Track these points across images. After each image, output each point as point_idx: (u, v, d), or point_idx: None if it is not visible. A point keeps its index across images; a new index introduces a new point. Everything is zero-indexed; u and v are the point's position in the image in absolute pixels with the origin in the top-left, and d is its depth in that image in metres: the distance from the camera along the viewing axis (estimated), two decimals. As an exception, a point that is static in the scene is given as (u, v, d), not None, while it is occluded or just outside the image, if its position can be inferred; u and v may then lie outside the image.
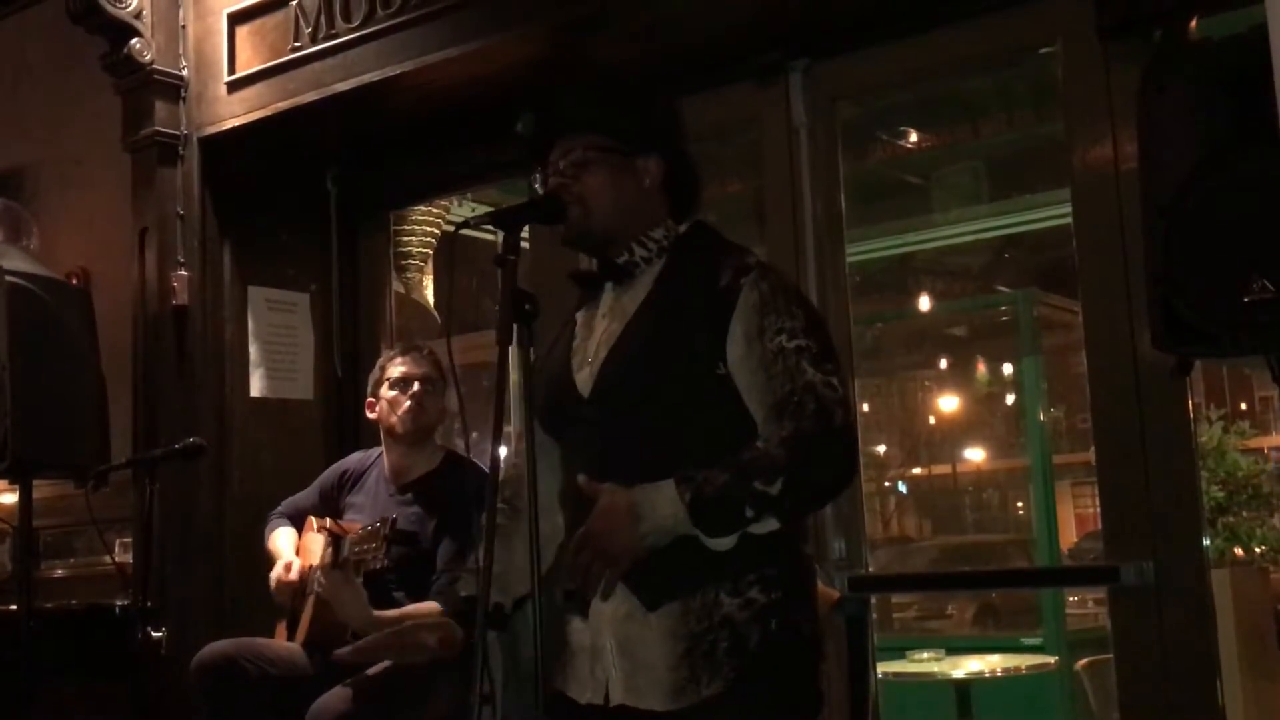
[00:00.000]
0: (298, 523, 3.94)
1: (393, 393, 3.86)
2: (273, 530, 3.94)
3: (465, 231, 2.32)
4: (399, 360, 3.91)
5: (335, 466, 4.08)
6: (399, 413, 3.83)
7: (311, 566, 3.73)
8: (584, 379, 2.28)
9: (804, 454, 2.09)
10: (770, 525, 2.10)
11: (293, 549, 3.83)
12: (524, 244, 2.31)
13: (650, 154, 2.34)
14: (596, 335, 2.32)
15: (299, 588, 3.76)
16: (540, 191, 2.38)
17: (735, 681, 2.09)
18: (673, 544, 2.11)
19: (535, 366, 2.23)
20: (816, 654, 2.23)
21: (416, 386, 3.85)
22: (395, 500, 3.78)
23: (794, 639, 2.17)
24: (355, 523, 3.68)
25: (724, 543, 2.09)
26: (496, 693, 2.04)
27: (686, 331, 2.20)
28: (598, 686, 2.21)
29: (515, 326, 2.10)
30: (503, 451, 2.48)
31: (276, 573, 3.76)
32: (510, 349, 2.11)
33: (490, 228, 2.33)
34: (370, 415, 3.94)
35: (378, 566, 3.41)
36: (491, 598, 2.27)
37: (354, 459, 4.05)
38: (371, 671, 3.44)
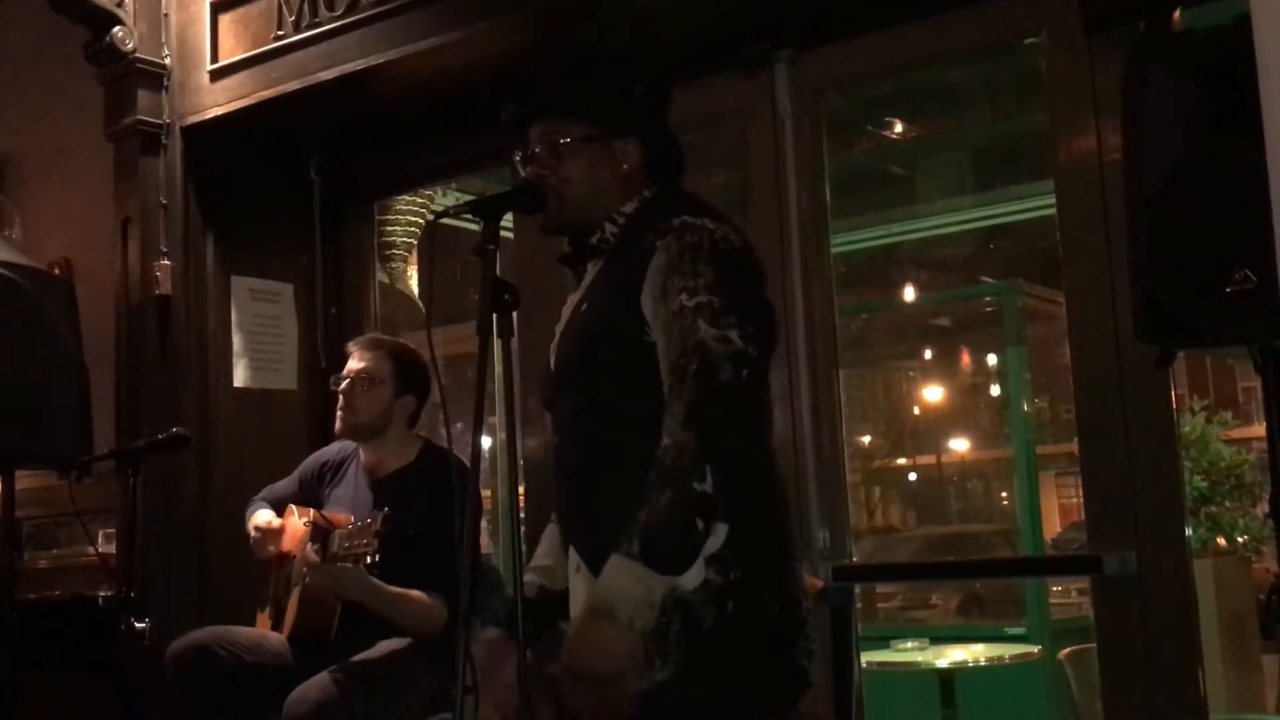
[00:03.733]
0: (278, 509, 3.91)
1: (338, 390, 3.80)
2: (253, 512, 3.91)
3: (446, 221, 2.30)
4: (349, 355, 3.84)
5: (315, 457, 4.05)
6: (337, 412, 3.79)
7: (293, 556, 3.72)
8: (554, 360, 2.32)
9: (702, 426, 1.99)
10: (720, 536, 2.03)
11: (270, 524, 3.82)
12: (506, 234, 2.31)
13: (629, 136, 2.32)
14: (566, 316, 2.35)
15: (284, 574, 3.74)
16: (521, 174, 2.37)
17: (686, 664, 2.04)
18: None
19: (507, 353, 2.22)
20: (792, 632, 2.15)
21: (347, 384, 3.76)
22: (374, 495, 3.72)
23: (757, 619, 2.09)
24: (338, 513, 3.67)
25: (692, 576, 2.01)
26: (479, 683, 2.04)
27: (614, 304, 2.19)
28: None
29: (495, 317, 2.09)
30: (485, 442, 2.48)
31: (259, 523, 3.74)
32: (491, 340, 2.10)
33: (473, 217, 2.31)
34: None
35: (369, 562, 3.39)
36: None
37: (333, 449, 4.01)
38: (354, 661, 3.44)
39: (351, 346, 3.89)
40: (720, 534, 2.03)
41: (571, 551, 2.25)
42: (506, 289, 2.11)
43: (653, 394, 2.11)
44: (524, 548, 2.24)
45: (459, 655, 1.98)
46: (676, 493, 1.97)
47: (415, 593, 3.50)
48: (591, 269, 2.34)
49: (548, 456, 2.31)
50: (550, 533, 2.43)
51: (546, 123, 2.31)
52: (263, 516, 3.83)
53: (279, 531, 3.75)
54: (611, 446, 2.18)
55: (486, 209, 2.21)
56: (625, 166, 2.32)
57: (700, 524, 1.98)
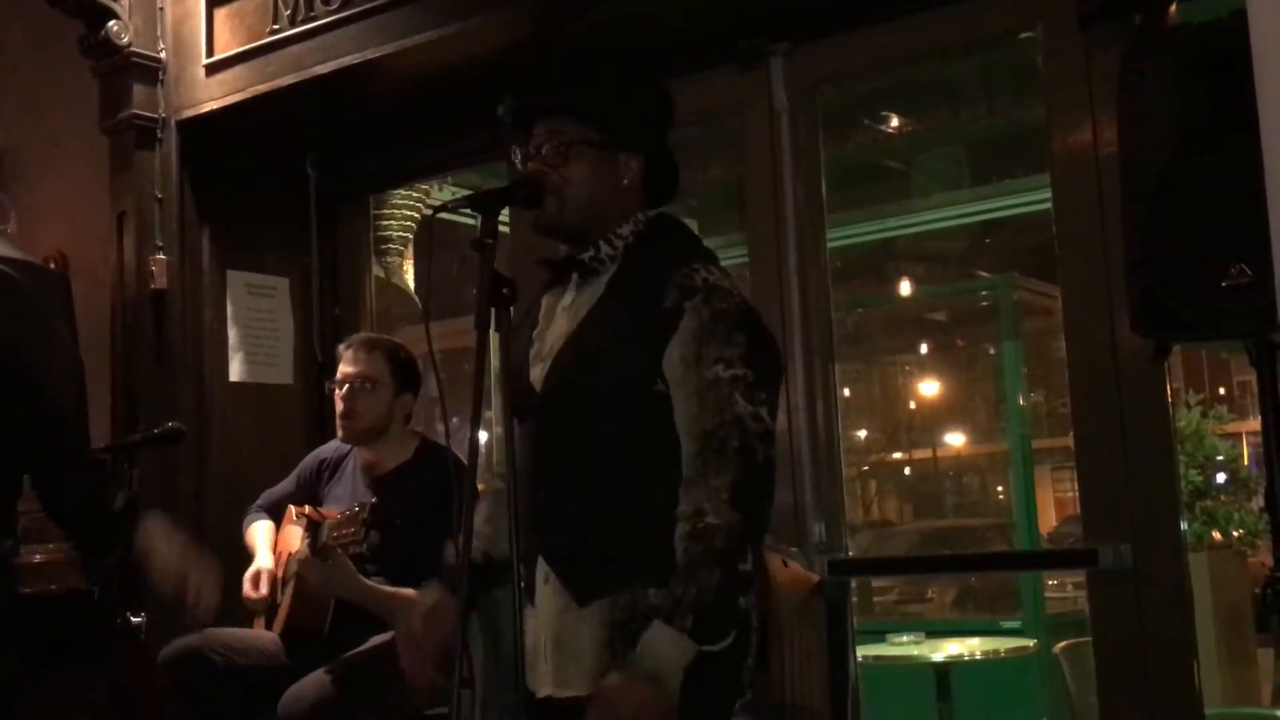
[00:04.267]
0: (276, 514, 3.90)
1: (336, 393, 3.77)
2: (250, 525, 3.89)
3: (443, 215, 2.29)
4: (343, 357, 3.80)
5: (313, 455, 4.03)
6: (336, 417, 3.77)
7: (290, 555, 3.71)
8: (537, 374, 2.29)
9: (749, 509, 2.09)
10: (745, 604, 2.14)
11: (269, 546, 3.80)
12: (502, 229, 2.30)
13: (634, 152, 2.32)
14: (555, 329, 2.32)
15: (270, 593, 3.72)
16: (518, 167, 2.37)
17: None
18: (604, 544, 2.16)
19: (504, 348, 2.23)
20: (740, 650, 2.21)
21: (346, 389, 3.72)
22: (373, 493, 3.70)
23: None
24: (334, 510, 3.66)
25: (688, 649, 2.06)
26: (476, 677, 2.05)
27: (627, 345, 2.20)
28: (541, 679, 2.23)
29: (493, 311, 2.09)
30: (483, 436, 2.48)
31: (246, 589, 3.71)
32: (489, 334, 2.10)
33: (470, 211, 2.31)
34: None
35: (356, 551, 3.39)
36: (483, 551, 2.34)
37: (330, 447, 3.99)
38: (347, 658, 3.43)
39: (344, 349, 3.84)
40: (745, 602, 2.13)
41: (540, 562, 2.25)
42: (504, 283, 2.11)
43: (651, 436, 2.18)
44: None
45: (458, 650, 1.98)
46: (726, 574, 2.05)
47: (408, 591, 3.49)
48: (581, 284, 2.32)
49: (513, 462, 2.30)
50: (489, 501, 2.45)
51: (556, 121, 2.30)
52: (258, 538, 3.80)
53: (266, 597, 3.72)
54: (603, 473, 2.19)
55: (484, 203, 2.21)
56: (625, 181, 2.32)
57: (741, 601, 2.10)
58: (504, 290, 2.11)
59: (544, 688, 2.22)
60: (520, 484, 2.25)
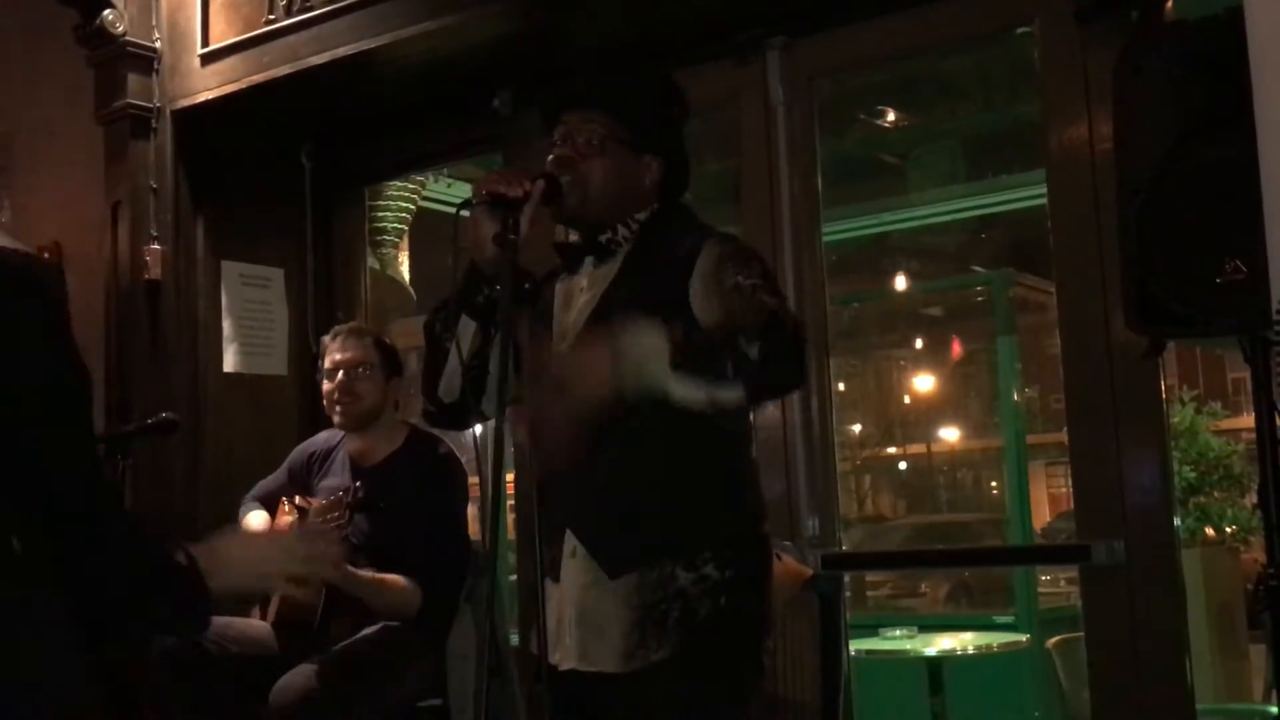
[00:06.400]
0: (269, 506, 3.90)
1: (326, 383, 3.77)
2: (245, 514, 3.90)
3: (437, 208, 2.30)
4: (331, 346, 3.81)
5: (302, 447, 4.02)
6: (330, 403, 3.77)
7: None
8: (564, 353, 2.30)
9: (776, 338, 2.02)
10: (735, 395, 2.02)
11: (263, 524, 3.81)
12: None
13: (656, 153, 2.37)
14: (576, 307, 2.34)
15: None
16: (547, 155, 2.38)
17: (682, 649, 2.16)
18: (637, 519, 2.17)
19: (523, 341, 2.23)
20: (762, 630, 2.29)
21: (341, 375, 3.73)
22: (362, 483, 3.71)
23: (741, 615, 2.22)
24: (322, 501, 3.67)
25: (698, 395, 1.99)
26: (506, 666, 2.05)
27: (654, 298, 2.20)
28: (565, 652, 2.26)
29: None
30: (477, 429, 2.48)
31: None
32: (512, 329, 2.10)
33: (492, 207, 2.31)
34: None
35: (343, 535, 3.40)
36: None
37: (320, 439, 3.99)
38: (338, 649, 3.44)
39: (330, 339, 3.85)
40: (733, 394, 2.02)
41: (568, 535, 2.27)
42: (527, 278, 2.12)
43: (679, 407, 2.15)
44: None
45: (484, 639, 1.97)
46: (729, 333, 2.00)
47: (391, 576, 3.50)
48: (594, 265, 2.35)
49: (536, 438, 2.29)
50: None
51: (590, 112, 2.33)
52: (254, 524, 3.81)
53: None
54: (632, 444, 2.20)
55: (507, 199, 2.21)
56: (646, 180, 2.37)
57: (730, 369, 1.98)
58: (526, 286, 2.12)
59: (567, 661, 2.24)
60: (543, 460, 2.27)
